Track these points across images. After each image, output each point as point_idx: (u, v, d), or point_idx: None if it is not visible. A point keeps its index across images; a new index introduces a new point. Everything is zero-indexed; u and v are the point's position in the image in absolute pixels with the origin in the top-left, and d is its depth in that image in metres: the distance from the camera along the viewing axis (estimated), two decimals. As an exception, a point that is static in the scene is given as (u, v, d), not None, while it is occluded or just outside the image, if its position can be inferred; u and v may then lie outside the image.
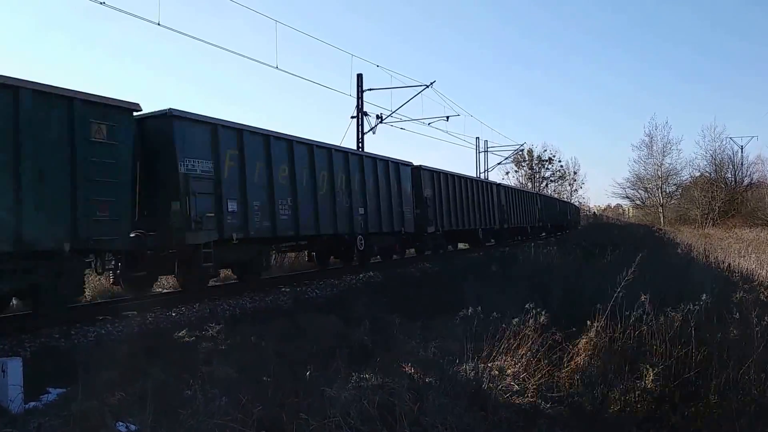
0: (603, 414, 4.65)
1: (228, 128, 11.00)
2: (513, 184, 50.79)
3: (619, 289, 5.61)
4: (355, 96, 24.95)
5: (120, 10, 13.32)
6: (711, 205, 48.65)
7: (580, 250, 16.00)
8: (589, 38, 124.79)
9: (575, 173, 71.19)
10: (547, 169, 69.45)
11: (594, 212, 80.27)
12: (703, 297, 5.79)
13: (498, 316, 5.68)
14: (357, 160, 15.62)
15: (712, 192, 49.20)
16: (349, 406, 4.08)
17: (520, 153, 59.94)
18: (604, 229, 41.43)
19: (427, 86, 25.45)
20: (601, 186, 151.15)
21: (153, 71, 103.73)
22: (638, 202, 63.27)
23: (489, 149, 44.73)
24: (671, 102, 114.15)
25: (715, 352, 5.13)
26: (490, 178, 39.12)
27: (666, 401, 4.73)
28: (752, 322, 5.35)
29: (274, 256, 14.40)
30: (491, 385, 4.80)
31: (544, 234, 38.94)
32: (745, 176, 53.18)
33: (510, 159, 56.24)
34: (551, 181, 69.68)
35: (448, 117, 28.14)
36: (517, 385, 4.90)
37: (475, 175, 24.95)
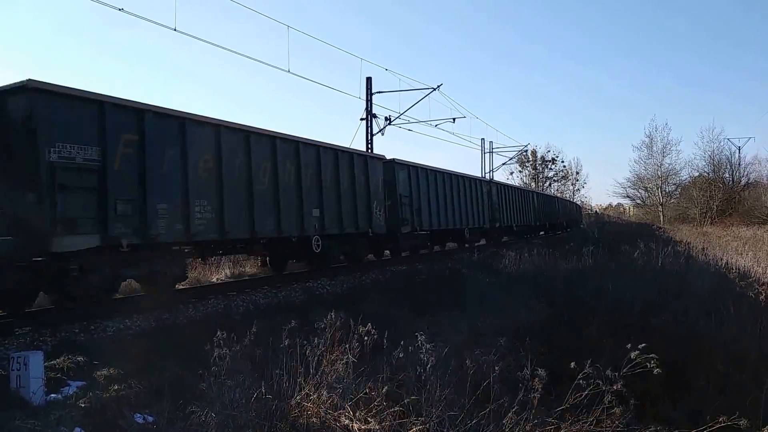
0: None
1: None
2: (511, 182, 50.41)
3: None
4: (365, 98, 25.05)
5: (138, 17, 13.40)
6: (709, 204, 48.91)
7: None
8: (590, 43, 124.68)
9: (577, 173, 71.39)
10: (551, 169, 69.68)
11: (596, 211, 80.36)
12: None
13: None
14: (313, 152, 13.34)
15: (710, 191, 49.44)
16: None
17: (524, 154, 59.92)
18: (606, 227, 41.31)
19: (434, 89, 25.48)
20: (602, 185, 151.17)
21: (166, 75, 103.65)
22: (639, 201, 63.55)
23: (494, 150, 44.67)
24: (671, 104, 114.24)
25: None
26: (495, 178, 38.78)
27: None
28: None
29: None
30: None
31: (542, 233, 38.14)
32: (743, 176, 53.66)
33: (514, 159, 56.52)
34: (554, 180, 69.93)
35: (454, 119, 28.00)
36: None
37: (462, 172, 21.78)
